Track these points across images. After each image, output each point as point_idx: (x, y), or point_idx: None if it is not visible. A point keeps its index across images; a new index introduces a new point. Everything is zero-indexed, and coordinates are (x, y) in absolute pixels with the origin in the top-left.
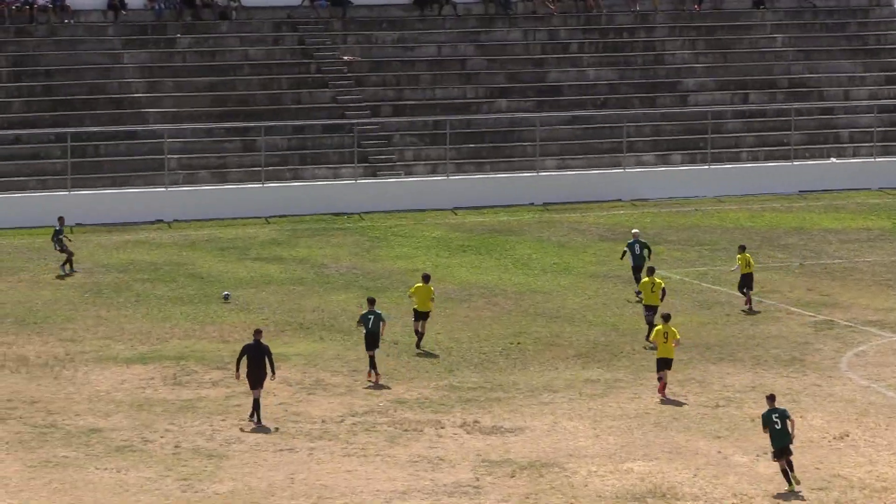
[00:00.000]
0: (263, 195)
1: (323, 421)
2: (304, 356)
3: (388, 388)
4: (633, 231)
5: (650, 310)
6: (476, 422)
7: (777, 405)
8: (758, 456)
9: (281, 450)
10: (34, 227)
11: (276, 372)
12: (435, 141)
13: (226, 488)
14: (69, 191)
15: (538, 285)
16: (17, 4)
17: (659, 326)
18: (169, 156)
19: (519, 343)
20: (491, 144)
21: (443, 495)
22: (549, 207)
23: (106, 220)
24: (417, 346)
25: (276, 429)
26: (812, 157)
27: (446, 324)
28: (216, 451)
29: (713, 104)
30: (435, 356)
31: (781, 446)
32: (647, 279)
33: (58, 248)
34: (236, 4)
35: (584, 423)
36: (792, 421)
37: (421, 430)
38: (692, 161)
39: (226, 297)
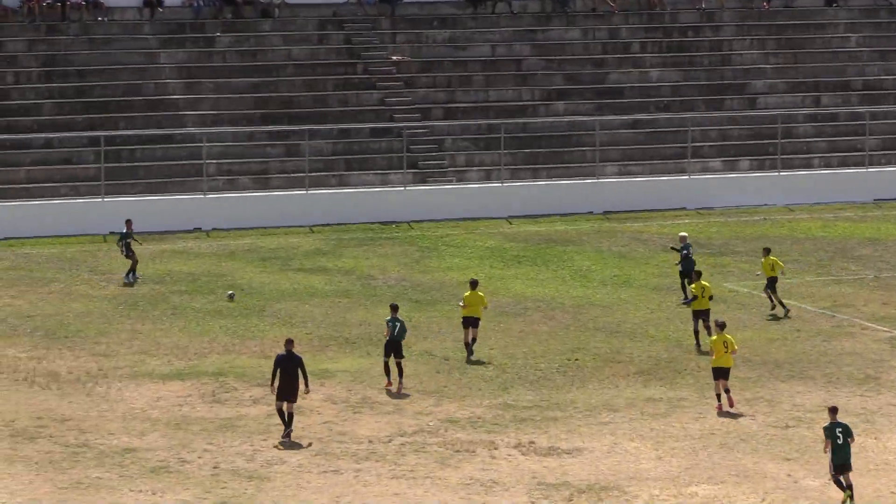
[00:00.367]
0: (307, 203)
1: (370, 441)
2: (350, 373)
3: (408, 395)
4: (681, 234)
5: (700, 315)
6: (531, 442)
7: (839, 419)
8: (828, 480)
9: (325, 471)
10: (66, 236)
11: (322, 389)
12: (488, 146)
13: None
14: (102, 198)
15: (597, 298)
16: (49, 1)
17: (715, 336)
18: (208, 161)
19: (577, 359)
20: (548, 149)
21: None
22: (610, 216)
23: (141, 228)
24: (469, 357)
25: (311, 445)
26: (888, 163)
27: (500, 339)
28: (257, 472)
29: (783, 107)
30: (488, 373)
31: (843, 462)
32: (696, 284)
33: (124, 252)
34: (279, 1)
35: (645, 444)
36: (853, 439)
37: (473, 451)
38: (761, 167)
39: (230, 297)
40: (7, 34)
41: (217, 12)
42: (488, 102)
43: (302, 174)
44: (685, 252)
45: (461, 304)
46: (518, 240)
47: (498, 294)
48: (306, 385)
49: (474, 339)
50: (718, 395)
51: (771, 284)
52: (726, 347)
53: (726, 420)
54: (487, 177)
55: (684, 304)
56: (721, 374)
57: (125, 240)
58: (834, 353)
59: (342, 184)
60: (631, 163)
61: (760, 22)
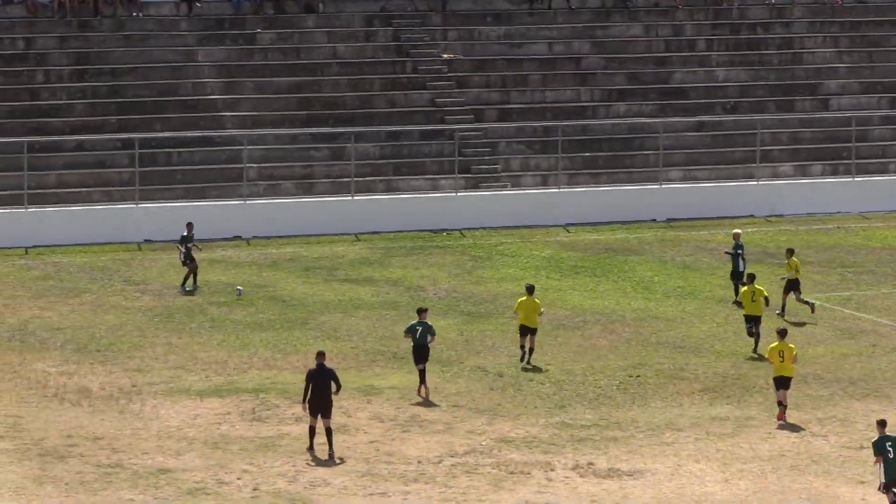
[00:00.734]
0: (353, 209)
1: (419, 462)
2: (399, 389)
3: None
4: (735, 232)
5: (752, 321)
6: (590, 464)
7: (888, 433)
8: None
9: (372, 494)
10: (98, 244)
11: (368, 406)
12: (545, 149)
13: None
14: (137, 203)
15: (660, 311)
16: None
17: (774, 344)
18: (248, 165)
19: (639, 376)
20: (608, 153)
21: None
22: (674, 224)
23: (177, 236)
24: (522, 359)
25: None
26: None
27: (557, 354)
28: (300, 494)
29: (857, 108)
30: (544, 390)
31: (894, 477)
32: (746, 288)
33: (182, 259)
34: None
35: (711, 465)
36: None
37: (528, 473)
38: (834, 172)
39: (238, 293)
40: (37, 30)
41: (258, 8)
42: (545, 103)
43: (347, 179)
44: (737, 252)
45: (515, 311)
46: (576, 249)
47: (555, 306)
48: (338, 388)
49: (531, 350)
50: (779, 402)
51: (794, 286)
52: (782, 357)
53: (797, 441)
54: (544, 182)
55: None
56: (781, 383)
57: (186, 244)
58: None
59: (390, 189)
60: (696, 167)
61: (833, 18)
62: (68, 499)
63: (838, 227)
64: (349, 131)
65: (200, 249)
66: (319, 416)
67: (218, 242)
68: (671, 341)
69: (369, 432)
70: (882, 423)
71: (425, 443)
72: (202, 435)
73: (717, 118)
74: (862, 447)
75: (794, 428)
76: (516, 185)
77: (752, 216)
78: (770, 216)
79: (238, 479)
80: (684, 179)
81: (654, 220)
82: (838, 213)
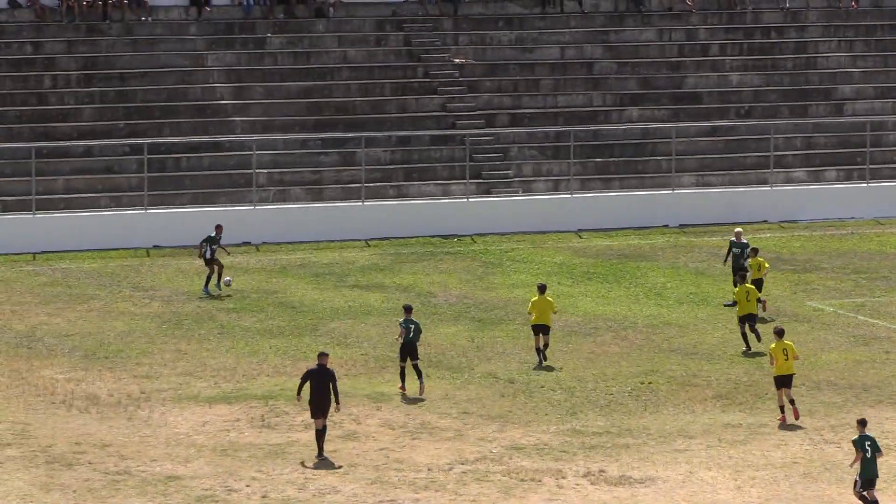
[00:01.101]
0: (363, 215)
1: (429, 469)
2: (408, 396)
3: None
4: (736, 230)
5: (746, 320)
6: (602, 471)
7: (867, 432)
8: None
9: (381, 501)
10: (106, 250)
11: (378, 413)
12: (557, 154)
13: None
14: (146, 209)
15: (673, 318)
16: (89, 0)
17: (774, 343)
18: (258, 170)
19: (650, 383)
20: (620, 158)
21: None
22: (686, 230)
23: (186, 241)
24: (540, 363)
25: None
26: None
27: (569, 360)
28: (309, 502)
29: (872, 113)
30: (556, 397)
31: (871, 477)
32: (739, 287)
33: (206, 256)
34: (334, 0)
35: (723, 473)
36: (881, 453)
37: (539, 481)
38: (849, 178)
39: (227, 283)
40: (45, 35)
41: (268, 12)
42: (557, 108)
43: (358, 184)
44: (738, 251)
45: (529, 311)
46: (588, 255)
47: (567, 312)
48: (336, 402)
49: (546, 346)
50: (782, 407)
51: (758, 287)
52: (786, 355)
53: (810, 448)
54: (556, 187)
55: (727, 306)
56: (783, 382)
57: (211, 245)
58: None
59: (401, 195)
60: (709, 173)
61: (848, 22)
62: None
63: (852, 233)
64: (359, 136)
65: (229, 254)
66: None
67: (227, 248)
68: (683, 348)
69: (379, 439)
70: (862, 422)
71: (435, 450)
72: (211, 442)
73: (730, 123)
74: None
75: (807, 435)
76: (528, 190)
77: (765, 222)
78: (784, 222)
79: (247, 486)
80: (697, 185)
81: (667, 225)
82: (852, 218)
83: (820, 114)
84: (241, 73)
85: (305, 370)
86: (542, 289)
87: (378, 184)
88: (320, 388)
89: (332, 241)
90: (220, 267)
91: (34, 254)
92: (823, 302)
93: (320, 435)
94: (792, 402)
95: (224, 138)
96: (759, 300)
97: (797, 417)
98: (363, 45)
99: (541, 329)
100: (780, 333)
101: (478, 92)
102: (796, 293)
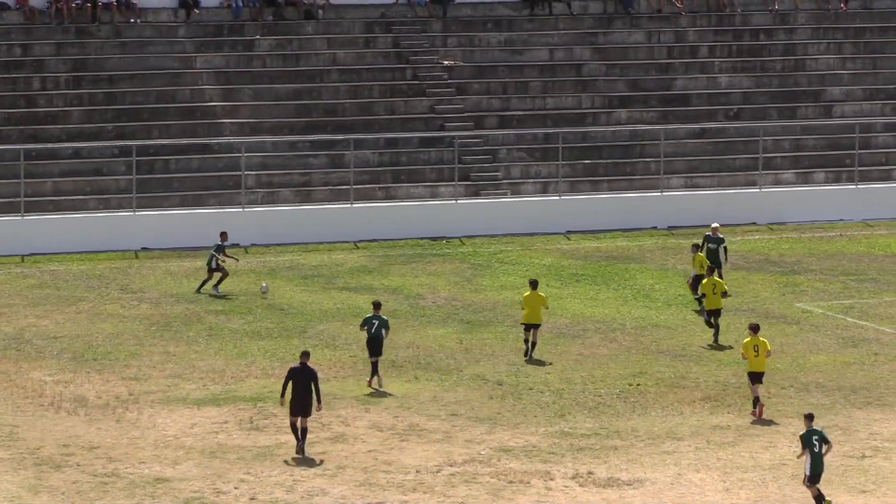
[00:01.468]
0: (352, 217)
1: (417, 471)
2: (397, 398)
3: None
4: (713, 225)
5: (712, 313)
6: (590, 473)
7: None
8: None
9: (370, 503)
10: (95, 252)
11: (367, 415)
12: (546, 156)
13: None
14: (134, 211)
15: (661, 320)
16: (78, 2)
17: (748, 339)
18: (246, 172)
19: (639, 384)
20: (609, 160)
21: None
22: (675, 231)
23: (175, 244)
24: (526, 354)
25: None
26: None
27: (557, 362)
28: None
29: (861, 115)
30: (544, 399)
31: (819, 472)
32: (706, 280)
33: (212, 265)
34: (323, 2)
35: (712, 475)
36: (830, 445)
37: (528, 483)
38: (837, 180)
39: (263, 290)
40: (34, 37)
41: (257, 14)
42: (545, 110)
43: (346, 186)
44: (713, 246)
45: (522, 307)
46: (577, 257)
47: (555, 314)
48: (319, 401)
49: (534, 344)
50: (756, 399)
51: (699, 281)
52: (757, 351)
53: (798, 449)
54: (544, 189)
55: (697, 298)
56: (756, 378)
57: (219, 252)
58: None
59: (389, 197)
60: (698, 175)
61: (837, 24)
62: None
63: (841, 235)
64: (348, 138)
65: (237, 260)
66: (299, 416)
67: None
68: (672, 350)
69: (367, 441)
70: (809, 417)
71: (424, 452)
72: (199, 444)
73: (719, 125)
74: (864, 456)
75: (795, 437)
76: (516, 192)
77: (754, 224)
78: (772, 224)
79: (235, 488)
80: (686, 187)
81: (656, 227)
82: (841, 220)
83: (809, 116)
84: (230, 75)
85: (289, 369)
86: (533, 284)
87: (367, 186)
88: (302, 387)
89: (321, 242)
90: (224, 274)
91: (23, 256)
92: (812, 304)
93: (295, 430)
94: (757, 399)
95: (213, 140)
96: (724, 293)
97: (761, 416)
98: (352, 48)
99: (531, 326)
100: (754, 329)
101: (466, 94)
102: (785, 295)
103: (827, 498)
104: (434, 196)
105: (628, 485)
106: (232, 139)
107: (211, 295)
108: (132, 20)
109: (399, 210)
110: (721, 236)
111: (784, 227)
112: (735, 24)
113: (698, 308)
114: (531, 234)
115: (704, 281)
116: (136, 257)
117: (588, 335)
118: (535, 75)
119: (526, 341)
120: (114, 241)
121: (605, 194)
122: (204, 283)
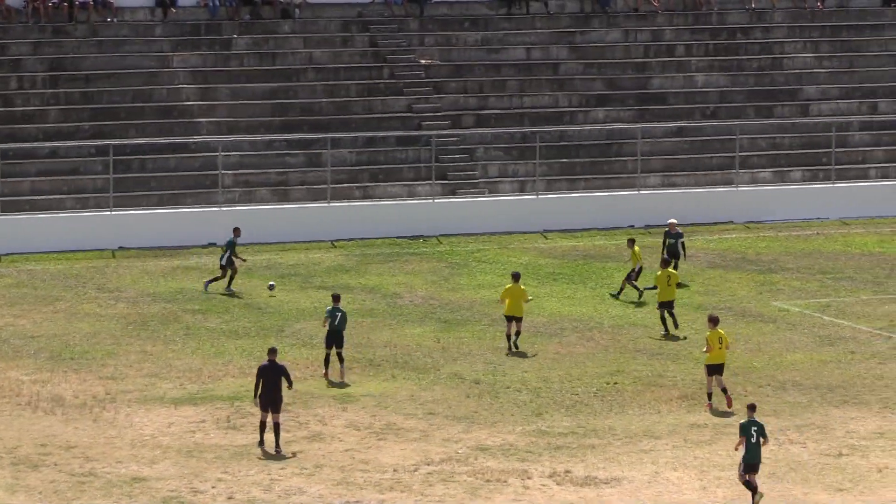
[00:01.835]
0: (329, 216)
1: (395, 470)
2: (374, 397)
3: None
4: (670, 221)
5: (665, 305)
6: (567, 472)
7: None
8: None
9: (347, 502)
10: (72, 251)
11: (344, 414)
12: (523, 155)
13: None
14: (111, 210)
15: (638, 318)
16: (55, 2)
17: (710, 332)
18: (223, 171)
19: (616, 383)
20: (586, 159)
21: None
22: (652, 230)
23: (152, 243)
24: (510, 348)
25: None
26: None
27: (534, 361)
28: (275, 503)
29: (838, 114)
30: (521, 397)
31: (753, 462)
32: (661, 272)
33: (223, 262)
34: (300, 1)
35: (689, 473)
36: (766, 440)
37: (505, 481)
38: (814, 178)
39: (270, 287)
40: (10, 36)
41: (234, 13)
42: (523, 109)
43: (324, 185)
44: (672, 241)
45: (501, 299)
46: (554, 255)
47: (532, 313)
48: (290, 385)
49: (518, 333)
50: (710, 395)
51: (637, 274)
52: (721, 343)
53: (775, 448)
54: (521, 188)
55: (648, 289)
56: (715, 370)
57: (231, 249)
58: (890, 377)
59: (366, 196)
60: (675, 173)
61: (814, 23)
62: None
63: (818, 234)
64: (325, 137)
65: (245, 261)
66: (270, 412)
67: (192, 249)
68: (649, 348)
69: (345, 440)
70: (751, 407)
71: (401, 451)
72: (176, 443)
73: (695, 124)
74: (841, 454)
75: (772, 435)
76: (494, 191)
77: (731, 222)
78: (749, 223)
79: (213, 487)
80: (663, 185)
81: (633, 226)
82: (818, 219)
83: (785, 114)
84: (207, 74)
85: (258, 368)
86: (515, 277)
87: (344, 185)
88: (272, 384)
89: (298, 242)
90: (234, 272)
91: None
92: (789, 302)
93: (263, 427)
94: (724, 390)
95: (190, 139)
96: (679, 284)
97: (730, 406)
98: (329, 46)
99: (513, 318)
100: (714, 321)
101: (443, 93)
102: (762, 293)
103: (759, 491)
104: (411, 195)
105: (606, 483)
106: (209, 138)
107: (231, 293)
108: (109, 19)
109: (376, 209)
110: (679, 231)
111: (761, 225)
112: (712, 23)
113: (616, 293)
114: (508, 233)
115: (659, 273)
116: (114, 256)
117: (565, 334)
118: (513, 74)
119: (508, 337)
120: (91, 240)
121: (581, 193)
122: (224, 279)
